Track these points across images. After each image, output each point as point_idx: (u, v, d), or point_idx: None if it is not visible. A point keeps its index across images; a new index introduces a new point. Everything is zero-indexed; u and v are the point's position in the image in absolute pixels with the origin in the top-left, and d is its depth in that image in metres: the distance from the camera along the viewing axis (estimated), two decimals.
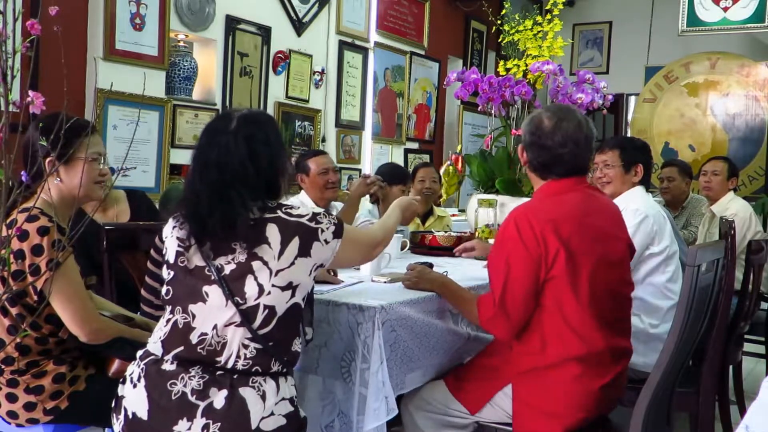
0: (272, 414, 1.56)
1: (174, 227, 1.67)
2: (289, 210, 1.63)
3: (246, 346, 1.57)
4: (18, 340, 1.82)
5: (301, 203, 3.07)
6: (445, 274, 2.19)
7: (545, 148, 1.97)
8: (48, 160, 1.76)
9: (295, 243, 1.59)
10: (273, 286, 1.57)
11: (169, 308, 1.65)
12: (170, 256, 1.66)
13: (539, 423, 1.89)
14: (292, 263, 1.59)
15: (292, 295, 1.60)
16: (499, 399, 1.95)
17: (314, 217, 1.64)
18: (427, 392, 2.07)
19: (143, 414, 1.56)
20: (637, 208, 2.54)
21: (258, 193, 1.63)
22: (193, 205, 1.62)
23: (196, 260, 1.61)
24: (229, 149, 1.63)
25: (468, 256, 2.43)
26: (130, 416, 1.58)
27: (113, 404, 1.66)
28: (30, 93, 1.13)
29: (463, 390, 2.01)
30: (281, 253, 1.58)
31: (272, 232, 1.59)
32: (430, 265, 2.25)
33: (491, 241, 2.68)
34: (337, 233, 1.66)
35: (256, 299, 1.57)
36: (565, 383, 1.87)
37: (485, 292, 1.99)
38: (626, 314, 2.06)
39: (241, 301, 1.57)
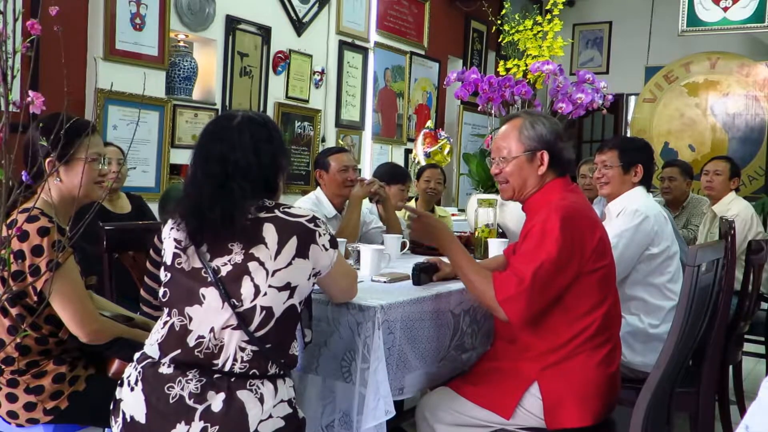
0: (270, 417, 1.55)
1: (172, 228, 1.66)
2: (287, 210, 1.62)
3: (243, 349, 1.56)
4: (18, 340, 1.82)
5: (317, 199, 3.08)
6: None
7: (565, 144, 2.05)
8: (48, 160, 1.76)
9: (292, 243, 1.58)
10: (270, 286, 1.56)
11: (166, 310, 1.64)
12: (167, 258, 1.65)
13: (571, 412, 1.90)
14: (290, 263, 1.58)
15: (290, 296, 1.59)
16: (527, 402, 1.93)
17: (313, 219, 1.63)
18: (446, 402, 2.01)
19: (141, 418, 1.56)
20: (637, 208, 2.53)
21: (258, 188, 1.62)
22: (194, 199, 1.60)
23: (193, 262, 1.60)
24: (233, 143, 1.62)
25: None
26: (128, 420, 1.57)
27: (111, 407, 1.65)
28: (30, 93, 1.13)
29: (488, 398, 1.96)
30: (278, 252, 1.57)
31: (269, 231, 1.57)
32: (431, 266, 2.24)
33: (493, 241, 2.68)
34: (333, 243, 1.66)
35: (252, 300, 1.56)
36: (589, 369, 1.92)
37: (501, 270, 1.96)
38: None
39: (237, 303, 1.56)
